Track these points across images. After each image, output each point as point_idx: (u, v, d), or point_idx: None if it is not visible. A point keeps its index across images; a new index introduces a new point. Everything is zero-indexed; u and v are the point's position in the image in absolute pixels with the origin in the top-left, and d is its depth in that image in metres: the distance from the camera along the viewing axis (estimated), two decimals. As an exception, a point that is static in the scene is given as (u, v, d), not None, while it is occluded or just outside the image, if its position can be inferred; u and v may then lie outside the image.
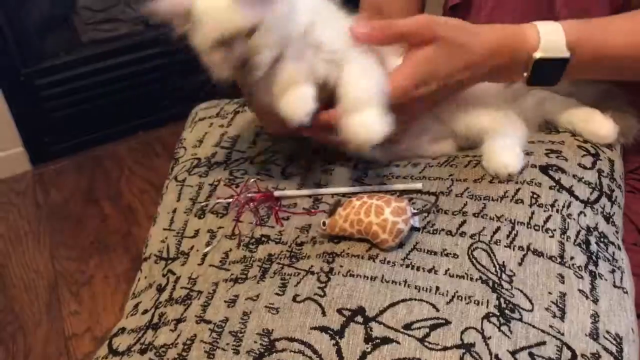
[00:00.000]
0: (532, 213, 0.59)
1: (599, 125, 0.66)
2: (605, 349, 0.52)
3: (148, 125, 1.97)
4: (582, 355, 0.51)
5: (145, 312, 0.64)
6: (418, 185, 0.64)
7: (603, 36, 0.64)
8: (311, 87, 0.58)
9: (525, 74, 0.64)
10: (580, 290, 0.55)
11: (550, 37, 0.62)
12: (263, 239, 0.63)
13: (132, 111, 1.97)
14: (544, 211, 0.59)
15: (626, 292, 0.57)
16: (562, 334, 0.51)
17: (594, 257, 0.57)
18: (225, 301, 0.58)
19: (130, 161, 1.77)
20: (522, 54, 0.63)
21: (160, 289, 0.66)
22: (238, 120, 0.83)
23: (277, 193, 0.68)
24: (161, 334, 0.59)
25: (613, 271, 0.58)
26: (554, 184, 0.61)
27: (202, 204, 0.71)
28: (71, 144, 1.90)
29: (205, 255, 0.65)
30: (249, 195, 0.68)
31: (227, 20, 0.55)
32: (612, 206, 0.63)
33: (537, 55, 0.62)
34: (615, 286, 0.57)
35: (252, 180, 0.70)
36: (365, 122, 0.56)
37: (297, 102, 0.57)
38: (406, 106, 0.62)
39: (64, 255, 1.39)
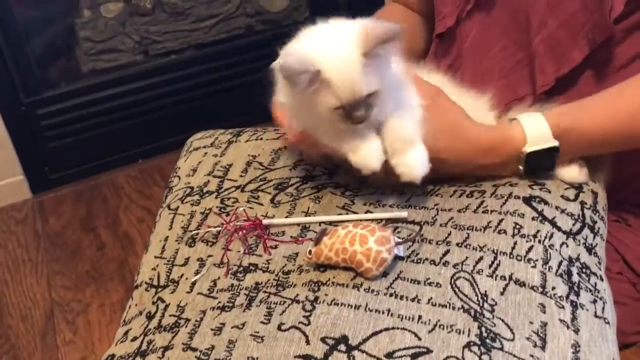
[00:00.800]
0: (515, 243, 0.60)
1: (567, 169, 0.68)
2: (587, 378, 0.52)
3: (147, 153, 1.99)
4: (563, 385, 0.51)
5: (134, 339, 0.65)
6: (404, 214, 0.65)
7: (586, 117, 0.67)
8: (378, 139, 0.63)
9: (521, 168, 0.67)
10: (561, 320, 0.55)
11: (534, 131, 0.65)
12: (251, 267, 0.64)
13: (132, 140, 1.99)
14: (527, 242, 0.60)
15: (608, 323, 0.58)
16: (543, 364, 0.52)
17: (575, 288, 0.58)
18: (211, 329, 0.59)
19: (129, 189, 1.78)
20: (512, 152, 0.66)
21: (150, 316, 0.66)
22: (231, 150, 0.84)
23: (265, 221, 0.69)
24: (149, 361, 0.60)
25: (595, 301, 0.59)
26: (537, 215, 0.62)
27: (192, 232, 0.72)
28: (71, 172, 1.91)
29: (194, 283, 0.66)
30: (238, 223, 0.69)
31: (359, 86, 0.57)
32: (594, 237, 0.64)
33: (527, 149, 0.65)
34: (596, 316, 0.57)
35: (242, 208, 0.71)
36: (411, 162, 0.62)
37: (370, 154, 0.62)
38: None
39: (60, 284, 1.39)
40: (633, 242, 0.77)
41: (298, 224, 0.68)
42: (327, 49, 0.57)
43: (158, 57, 2.04)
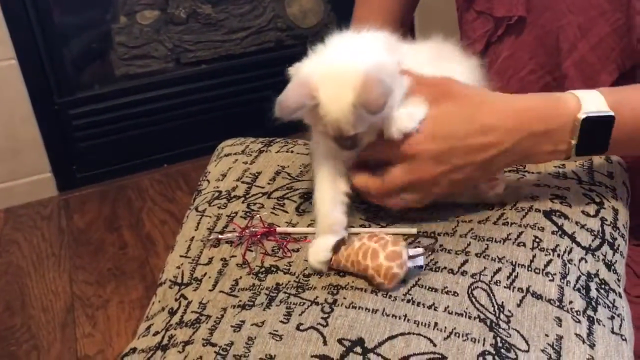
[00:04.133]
0: (534, 256, 0.60)
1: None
2: (600, 393, 0.52)
3: (173, 159, 2.03)
4: (576, 399, 0.51)
5: (156, 333, 0.67)
6: (413, 231, 0.66)
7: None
8: (334, 237, 0.63)
9: (573, 141, 0.59)
10: (577, 335, 0.56)
11: (589, 98, 0.59)
12: (272, 268, 0.66)
13: (159, 145, 2.04)
14: (545, 255, 0.61)
15: (625, 340, 0.58)
16: (557, 376, 0.52)
17: (593, 303, 0.59)
18: (231, 326, 0.60)
19: (153, 192, 1.82)
20: (564, 117, 0.58)
21: (172, 313, 0.68)
22: (261, 159, 0.86)
23: (279, 229, 0.71)
24: (169, 354, 0.61)
25: (612, 318, 0.59)
26: (557, 229, 0.63)
27: (216, 234, 0.74)
28: (97, 172, 1.96)
29: (216, 282, 0.68)
30: (253, 229, 0.71)
31: (346, 129, 0.59)
32: (614, 254, 0.64)
33: (582, 115, 0.57)
34: (613, 332, 0.58)
35: (258, 215, 0.72)
36: (399, 115, 0.60)
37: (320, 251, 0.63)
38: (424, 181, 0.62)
39: (82, 279, 1.43)
40: (654, 265, 0.77)
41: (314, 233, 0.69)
42: (327, 86, 0.59)
43: (189, 66, 2.09)
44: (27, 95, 1.80)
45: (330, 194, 0.65)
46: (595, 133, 0.59)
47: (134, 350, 0.67)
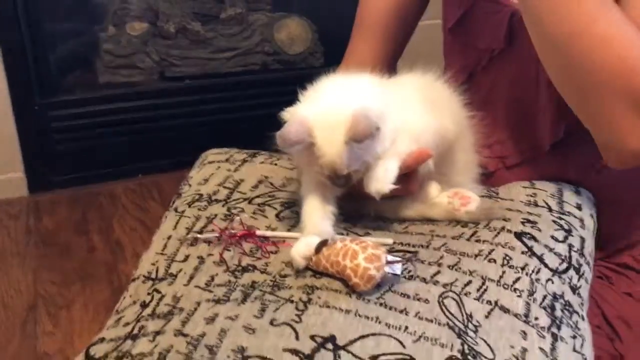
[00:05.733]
0: (503, 272, 0.63)
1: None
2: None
3: (148, 170, 2.03)
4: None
5: (126, 324, 0.67)
6: (389, 241, 0.68)
7: None
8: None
9: None
10: (540, 349, 0.58)
11: None
12: (249, 267, 0.67)
13: (135, 154, 2.03)
14: (515, 272, 0.63)
15: (585, 359, 0.60)
16: (520, 386, 0.54)
17: (557, 322, 0.61)
18: (204, 318, 0.61)
19: (125, 200, 1.81)
20: None
21: (144, 305, 0.68)
22: (245, 168, 0.87)
23: (259, 232, 0.72)
24: (139, 344, 0.61)
25: (574, 337, 0.61)
26: (526, 250, 0.66)
27: (189, 236, 0.74)
28: (70, 177, 1.94)
29: (192, 277, 0.68)
30: (233, 231, 0.72)
31: (340, 168, 0.64)
32: (579, 279, 0.67)
33: None
34: (575, 350, 0.60)
35: (238, 217, 0.74)
36: (376, 175, 0.65)
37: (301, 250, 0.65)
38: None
39: (47, 279, 1.40)
40: (614, 299, 0.80)
41: (294, 238, 0.71)
42: (321, 128, 0.64)
43: (173, 80, 2.11)
44: (7, 93, 1.79)
45: (319, 210, 0.68)
46: None
47: (102, 340, 0.66)
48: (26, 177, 1.87)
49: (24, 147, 1.86)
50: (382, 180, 0.64)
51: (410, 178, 0.68)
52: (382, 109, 0.64)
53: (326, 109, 0.65)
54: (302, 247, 0.64)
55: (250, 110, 2.12)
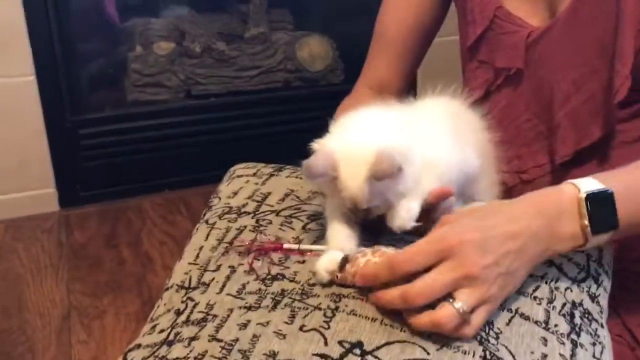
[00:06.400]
0: (523, 282, 0.65)
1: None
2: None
3: (175, 185, 2.07)
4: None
5: (161, 331, 0.70)
6: None
7: (627, 173, 0.67)
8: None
9: (585, 221, 0.62)
10: (561, 355, 0.60)
11: (584, 181, 0.64)
12: (279, 276, 0.70)
13: (162, 170, 2.09)
14: (534, 281, 0.65)
15: (604, 365, 0.62)
16: (541, 390, 0.56)
17: (577, 329, 0.63)
18: (237, 324, 0.64)
19: (153, 215, 1.85)
20: (568, 199, 0.63)
21: (179, 313, 0.71)
22: (272, 182, 0.90)
23: (286, 245, 0.75)
24: (175, 349, 0.64)
25: (594, 344, 0.63)
26: (546, 260, 0.68)
27: (219, 249, 0.77)
28: (100, 192, 2.00)
29: (224, 285, 0.71)
30: (261, 243, 0.75)
31: (360, 202, 0.66)
32: (597, 288, 0.69)
33: (583, 194, 0.62)
34: (594, 357, 0.62)
35: (265, 237, 0.77)
36: (398, 212, 0.66)
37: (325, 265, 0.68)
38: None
39: (79, 290, 1.45)
40: (634, 308, 0.82)
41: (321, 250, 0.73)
42: (345, 163, 0.66)
43: (199, 98, 2.17)
44: (41, 111, 1.85)
45: (343, 231, 0.70)
46: (600, 209, 0.63)
47: (138, 345, 0.69)
48: (57, 192, 1.93)
49: (56, 164, 1.92)
50: (404, 218, 0.66)
51: (430, 212, 0.69)
52: (406, 149, 0.66)
53: (352, 144, 0.67)
54: (325, 262, 0.67)
55: (273, 127, 2.17)
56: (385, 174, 0.63)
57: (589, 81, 0.79)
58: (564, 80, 0.81)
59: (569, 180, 0.65)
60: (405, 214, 0.66)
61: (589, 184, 0.64)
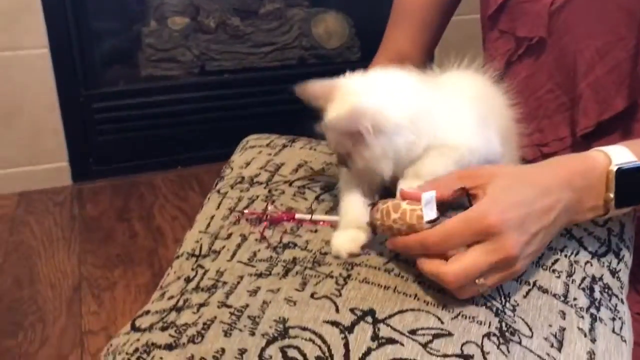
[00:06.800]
0: (542, 254, 0.63)
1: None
2: (598, 385, 0.55)
3: (187, 162, 2.07)
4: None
5: (170, 297, 0.69)
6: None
7: None
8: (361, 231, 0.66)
9: (611, 194, 0.61)
10: (579, 328, 0.58)
11: (616, 151, 0.61)
12: (290, 244, 0.69)
13: (175, 147, 2.08)
14: (553, 254, 0.63)
15: (624, 341, 0.60)
16: (558, 363, 0.55)
17: (596, 303, 0.61)
18: (247, 291, 0.63)
19: (165, 190, 1.85)
20: (598, 171, 0.61)
21: (188, 280, 0.71)
22: (285, 152, 0.89)
23: (298, 215, 0.73)
24: (184, 315, 0.64)
25: (614, 319, 0.61)
26: (565, 233, 0.66)
27: (230, 217, 0.76)
28: (112, 167, 2.00)
29: (234, 253, 0.70)
30: (274, 212, 0.74)
31: (327, 140, 0.67)
32: (618, 263, 0.67)
33: (614, 167, 0.60)
34: (614, 332, 0.60)
35: (271, 206, 0.75)
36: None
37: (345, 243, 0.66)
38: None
39: (90, 262, 1.45)
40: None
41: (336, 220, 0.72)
42: (335, 104, 0.65)
43: (212, 74, 2.15)
44: (54, 85, 1.85)
45: (357, 202, 0.68)
46: (629, 183, 0.61)
47: (147, 312, 0.69)
48: (70, 166, 1.93)
49: (69, 138, 1.91)
50: (411, 179, 0.63)
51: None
52: (393, 124, 0.62)
53: (354, 93, 0.65)
54: (348, 243, 0.65)
55: (287, 104, 2.14)
56: (338, 126, 0.63)
57: (614, 50, 0.76)
58: (588, 49, 0.78)
59: (600, 148, 0.62)
60: (413, 175, 0.64)
61: (621, 155, 0.61)
